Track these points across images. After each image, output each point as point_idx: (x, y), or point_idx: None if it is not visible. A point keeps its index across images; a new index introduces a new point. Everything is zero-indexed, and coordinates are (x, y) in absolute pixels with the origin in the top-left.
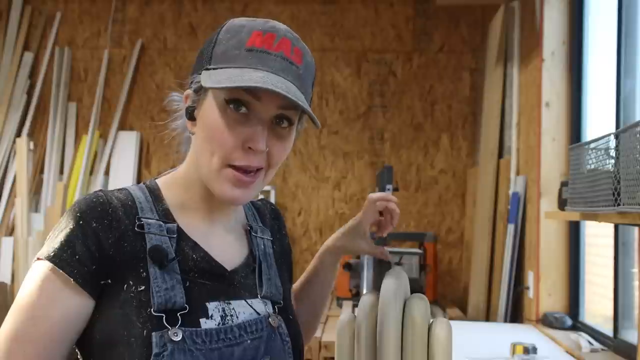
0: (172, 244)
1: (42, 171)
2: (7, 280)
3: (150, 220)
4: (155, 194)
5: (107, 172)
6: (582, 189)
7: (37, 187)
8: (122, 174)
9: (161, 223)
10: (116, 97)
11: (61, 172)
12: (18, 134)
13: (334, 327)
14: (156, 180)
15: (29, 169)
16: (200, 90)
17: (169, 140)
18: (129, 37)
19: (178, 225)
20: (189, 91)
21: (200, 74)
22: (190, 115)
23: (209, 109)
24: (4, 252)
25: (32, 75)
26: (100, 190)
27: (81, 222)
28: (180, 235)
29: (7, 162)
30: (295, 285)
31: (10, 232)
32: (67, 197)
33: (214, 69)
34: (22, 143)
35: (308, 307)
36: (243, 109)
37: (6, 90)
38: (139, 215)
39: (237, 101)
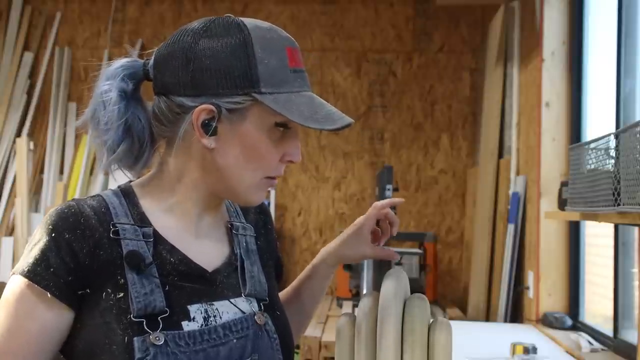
0: (149, 248)
1: (42, 171)
2: (7, 280)
3: (125, 226)
4: (130, 198)
5: (107, 172)
6: (582, 189)
7: (37, 187)
8: (122, 174)
9: (137, 227)
10: None
11: (61, 172)
12: (18, 134)
13: (334, 327)
14: (131, 184)
15: (29, 169)
16: (241, 110)
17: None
18: (129, 37)
19: (154, 229)
20: (209, 107)
21: (240, 94)
22: (212, 131)
23: (253, 130)
24: (4, 252)
25: (32, 75)
26: (73, 200)
27: (54, 235)
28: (157, 239)
29: (7, 162)
30: (284, 292)
31: (10, 232)
32: (67, 197)
33: (270, 93)
34: (22, 143)
35: (293, 316)
36: (290, 125)
37: (6, 90)
38: (114, 220)
39: (286, 123)
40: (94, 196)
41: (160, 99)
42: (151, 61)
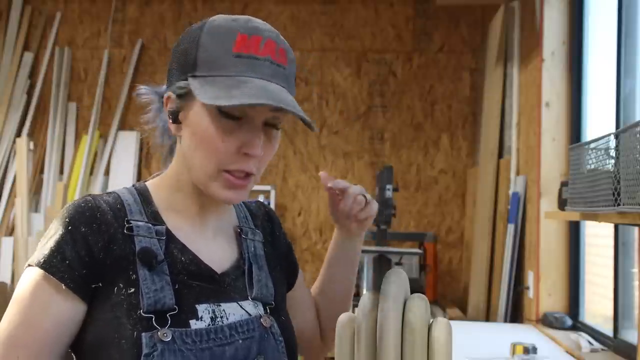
0: (161, 246)
1: (42, 171)
2: (7, 280)
3: (139, 223)
4: (144, 196)
5: (107, 172)
6: (582, 189)
7: (37, 187)
8: (122, 174)
9: (150, 225)
10: (116, 97)
11: (61, 172)
12: (18, 134)
13: None
14: (146, 183)
15: (29, 169)
16: (186, 96)
17: (146, 135)
18: (129, 37)
19: (167, 228)
20: (171, 94)
21: (185, 79)
22: (175, 119)
23: (199, 116)
24: (4, 252)
25: (32, 75)
26: (89, 195)
27: (70, 228)
28: (169, 238)
29: (7, 162)
30: (312, 288)
31: (10, 232)
32: (67, 197)
33: (203, 76)
34: (22, 143)
35: (329, 309)
36: (237, 114)
37: (6, 90)
38: (128, 217)
39: (233, 114)
40: (109, 193)
41: None
42: None
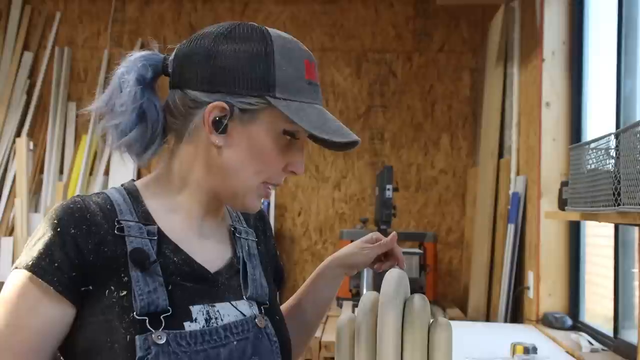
0: (153, 246)
1: (42, 171)
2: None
3: (130, 223)
4: (134, 196)
5: (107, 172)
6: (582, 189)
7: (37, 187)
8: (122, 174)
9: (141, 225)
10: None
11: (61, 172)
12: (18, 134)
13: (334, 327)
14: (134, 183)
15: (29, 169)
16: (252, 111)
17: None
18: (129, 37)
19: (158, 228)
20: (222, 105)
21: (256, 96)
22: (222, 129)
23: (262, 133)
24: (4, 252)
25: (32, 75)
26: (78, 196)
27: (59, 230)
28: (161, 238)
29: (7, 162)
30: (286, 304)
31: (10, 232)
32: (67, 197)
33: (285, 99)
34: (22, 143)
35: (300, 322)
36: (295, 135)
37: (6, 90)
38: (119, 218)
39: (294, 133)
40: (98, 193)
41: (175, 92)
42: (171, 56)
